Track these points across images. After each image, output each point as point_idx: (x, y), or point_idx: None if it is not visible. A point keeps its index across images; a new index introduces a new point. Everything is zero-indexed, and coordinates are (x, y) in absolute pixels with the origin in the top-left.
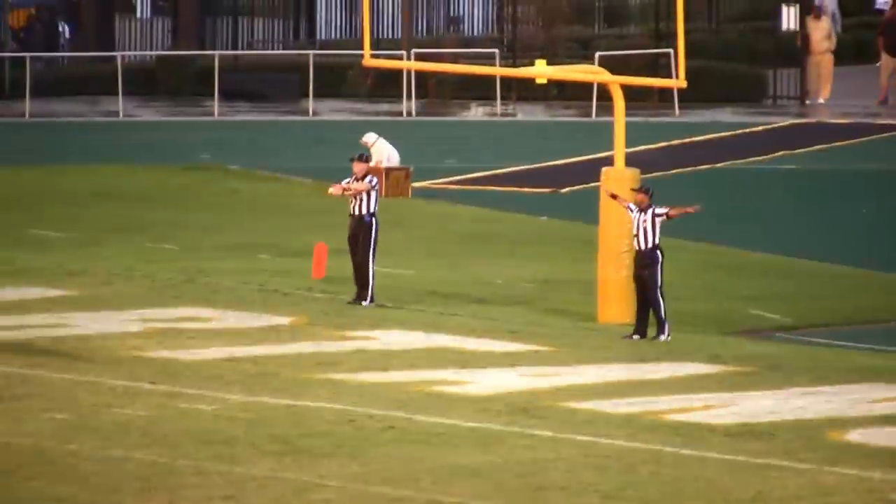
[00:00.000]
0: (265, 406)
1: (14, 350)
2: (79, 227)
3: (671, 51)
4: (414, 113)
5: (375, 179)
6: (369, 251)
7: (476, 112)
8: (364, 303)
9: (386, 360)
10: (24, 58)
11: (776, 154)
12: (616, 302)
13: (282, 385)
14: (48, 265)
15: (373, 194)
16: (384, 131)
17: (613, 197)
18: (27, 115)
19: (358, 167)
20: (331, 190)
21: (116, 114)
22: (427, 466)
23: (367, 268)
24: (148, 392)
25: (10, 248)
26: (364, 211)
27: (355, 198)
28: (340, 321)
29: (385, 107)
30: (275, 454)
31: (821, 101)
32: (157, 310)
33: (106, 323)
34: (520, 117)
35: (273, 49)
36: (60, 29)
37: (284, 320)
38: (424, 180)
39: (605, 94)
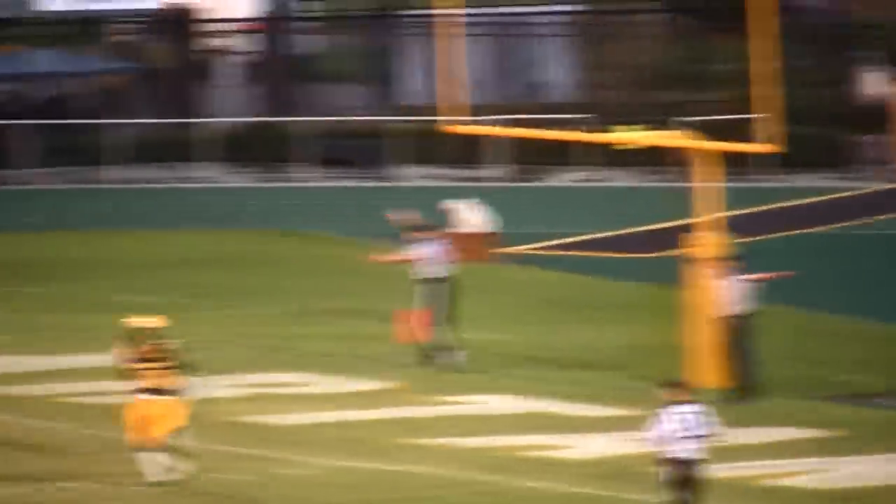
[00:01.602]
0: (359, 471)
1: (112, 416)
2: (168, 293)
3: (758, 115)
4: (499, 179)
5: (420, 249)
6: (434, 315)
7: (561, 178)
8: (431, 363)
9: (479, 424)
10: (110, 123)
11: (870, 219)
12: (706, 367)
13: (376, 450)
14: None
15: (429, 260)
16: (469, 197)
17: (700, 262)
18: (113, 182)
19: (416, 235)
20: (376, 257)
21: (204, 180)
22: None
23: (437, 330)
24: (245, 457)
25: (97, 313)
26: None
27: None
28: (433, 386)
29: (469, 172)
30: None
31: None
32: (251, 375)
33: (201, 388)
34: (605, 183)
35: (359, 115)
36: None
37: (378, 385)
38: (510, 246)
39: (691, 160)
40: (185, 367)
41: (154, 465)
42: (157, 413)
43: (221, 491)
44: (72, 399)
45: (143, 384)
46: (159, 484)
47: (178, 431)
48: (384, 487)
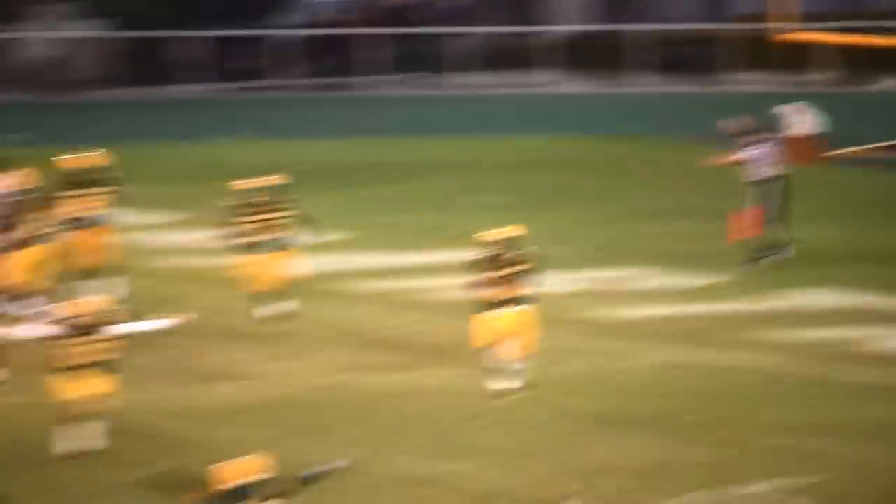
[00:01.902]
0: (692, 364)
1: (458, 313)
2: (507, 195)
3: None
4: (827, 84)
5: (752, 152)
6: (766, 213)
7: (889, 83)
8: (761, 261)
9: (808, 318)
10: (453, 33)
11: None
12: None
13: (708, 344)
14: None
15: (761, 162)
16: (798, 102)
17: None
18: (456, 89)
19: (748, 138)
20: (710, 160)
21: (543, 86)
22: (855, 419)
23: (769, 228)
24: (581, 351)
25: (442, 213)
26: (759, 177)
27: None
28: (764, 282)
29: (798, 78)
30: (701, 409)
31: None
32: (587, 271)
33: (547, 284)
34: None
35: (693, 23)
36: None
37: (711, 281)
38: (838, 149)
39: None
40: (536, 273)
41: (500, 375)
42: (510, 325)
43: (559, 384)
44: (420, 295)
45: (497, 295)
46: (505, 391)
47: (529, 340)
48: (717, 380)
